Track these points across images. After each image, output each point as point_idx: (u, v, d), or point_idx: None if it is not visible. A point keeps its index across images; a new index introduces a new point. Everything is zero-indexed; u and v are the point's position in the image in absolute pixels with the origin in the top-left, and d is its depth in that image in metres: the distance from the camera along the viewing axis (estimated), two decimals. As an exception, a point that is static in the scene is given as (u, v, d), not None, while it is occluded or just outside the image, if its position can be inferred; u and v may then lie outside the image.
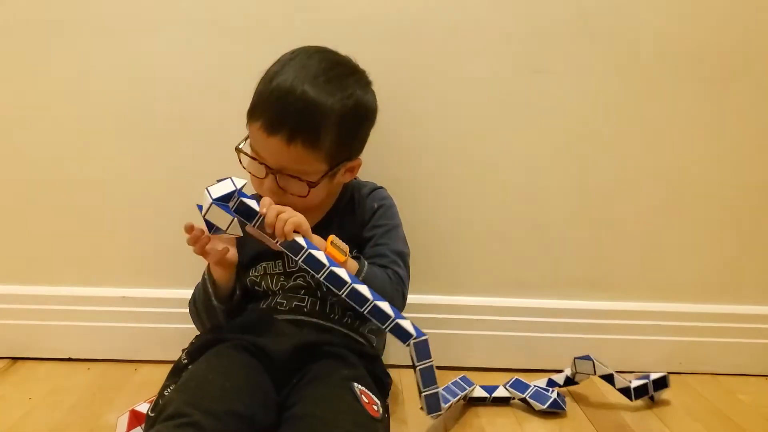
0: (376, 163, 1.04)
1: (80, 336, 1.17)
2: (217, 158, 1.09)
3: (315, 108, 0.85)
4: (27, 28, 1.07)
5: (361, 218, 0.99)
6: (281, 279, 0.95)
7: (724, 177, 1.18)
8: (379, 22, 1.08)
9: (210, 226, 0.82)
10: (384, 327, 0.84)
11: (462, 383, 1.05)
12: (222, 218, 0.81)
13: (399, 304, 0.93)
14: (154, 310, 1.16)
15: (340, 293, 0.84)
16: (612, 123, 1.15)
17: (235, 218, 0.81)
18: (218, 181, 0.82)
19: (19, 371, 1.14)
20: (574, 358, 1.07)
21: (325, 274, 0.83)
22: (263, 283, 0.96)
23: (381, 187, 1.04)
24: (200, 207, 0.82)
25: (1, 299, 1.17)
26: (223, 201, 0.81)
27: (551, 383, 1.10)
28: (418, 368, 0.86)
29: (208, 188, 0.81)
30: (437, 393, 0.88)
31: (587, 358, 1.06)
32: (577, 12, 1.09)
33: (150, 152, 1.13)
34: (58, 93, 1.10)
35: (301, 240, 0.83)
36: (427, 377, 0.86)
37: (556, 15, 1.09)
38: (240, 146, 0.92)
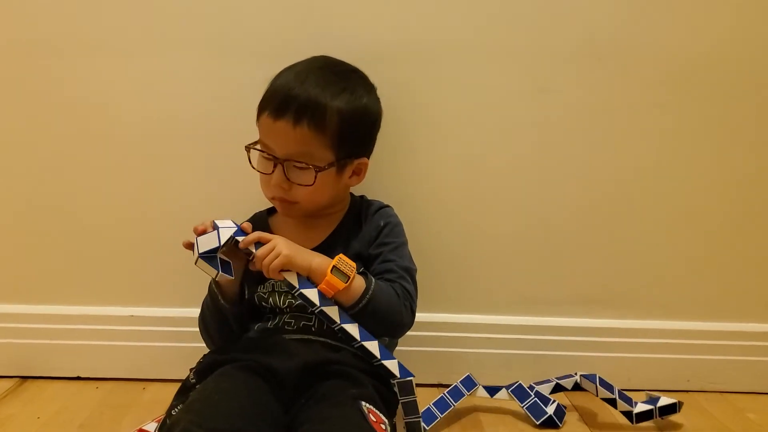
0: (384, 181, 1.05)
1: (89, 355, 1.18)
2: (225, 179, 1.13)
3: (320, 93, 0.90)
4: (38, 49, 1.09)
5: (367, 235, 1.00)
6: (288, 297, 0.95)
7: (733, 194, 1.18)
8: (389, 41, 1.09)
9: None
10: (373, 363, 0.88)
11: (462, 387, 1.06)
12: (209, 270, 0.86)
13: (407, 319, 0.94)
14: (163, 329, 1.16)
15: (333, 327, 0.88)
16: (617, 142, 1.15)
17: (219, 272, 0.85)
18: (214, 226, 0.87)
19: (28, 390, 1.15)
20: (581, 375, 1.07)
21: (316, 311, 0.87)
22: (271, 299, 0.97)
23: (388, 206, 1.05)
24: (193, 250, 0.86)
25: (11, 318, 1.17)
26: (209, 254, 0.85)
27: (558, 388, 1.10)
28: (401, 401, 0.88)
29: (197, 239, 0.86)
30: (419, 421, 0.89)
31: (592, 378, 1.06)
32: (583, 31, 1.10)
33: (159, 173, 1.14)
34: (67, 114, 1.12)
35: (293, 279, 0.87)
36: (409, 409, 0.87)
37: (562, 34, 1.10)
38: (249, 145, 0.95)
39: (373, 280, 0.92)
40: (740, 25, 1.11)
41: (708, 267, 1.21)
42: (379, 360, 0.86)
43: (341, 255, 0.89)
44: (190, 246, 0.87)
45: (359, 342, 0.87)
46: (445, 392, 1.04)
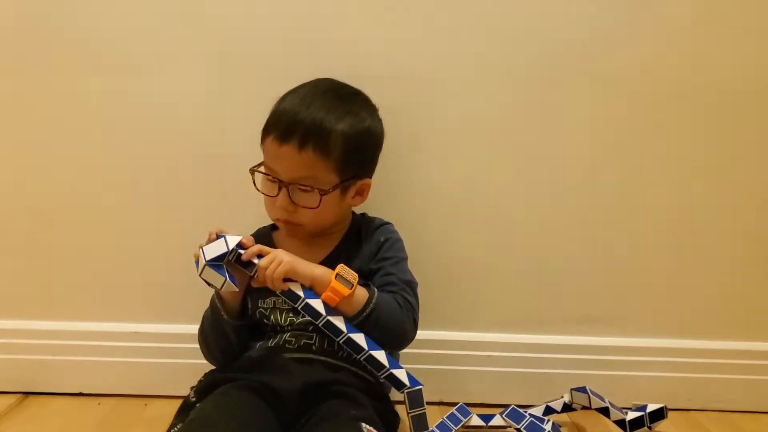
0: (384, 199, 1.05)
1: (91, 371, 1.18)
2: (230, 197, 1.13)
3: (324, 117, 0.91)
4: (46, 66, 1.10)
5: (368, 251, 1.00)
6: (290, 315, 0.96)
7: (736, 213, 1.18)
8: (388, 61, 1.11)
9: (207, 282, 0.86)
10: (379, 374, 0.87)
11: (459, 414, 1.05)
12: (216, 278, 0.84)
13: (410, 330, 0.94)
14: (165, 345, 1.17)
15: (337, 340, 0.87)
16: (615, 161, 1.16)
17: (227, 279, 0.84)
18: (217, 236, 0.86)
19: (31, 406, 1.15)
20: (571, 390, 1.07)
21: (322, 322, 0.87)
22: (272, 317, 0.97)
23: (389, 223, 1.06)
24: (197, 263, 0.85)
25: (13, 334, 1.18)
26: (217, 261, 0.84)
27: (548, 410, 1.09)
28: (410, 414, 0.87)
29: (203, 248, 0.85)
30: None
31: (583, 390, 1.06)
32: (581, 52, 1.11)
33: (163, 189, 1.15)
34: (74, 130, 1.13)
35: (297, 289, 0.86)
36: (419, 424, 0.87)
37: (560, 54, 1.11)
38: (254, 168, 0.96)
39: (376, 291, 0.92)
40: (738, 45, 1.12)
41: (710, 286, 1.21)
42: (388, 369, 0.86)
43: (342, 264, 0.90)
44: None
45: (367, 351, 0.86)
46: (444, 418, 1.04)
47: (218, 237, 0.86)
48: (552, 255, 1.19)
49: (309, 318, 0.88)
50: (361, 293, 0.90)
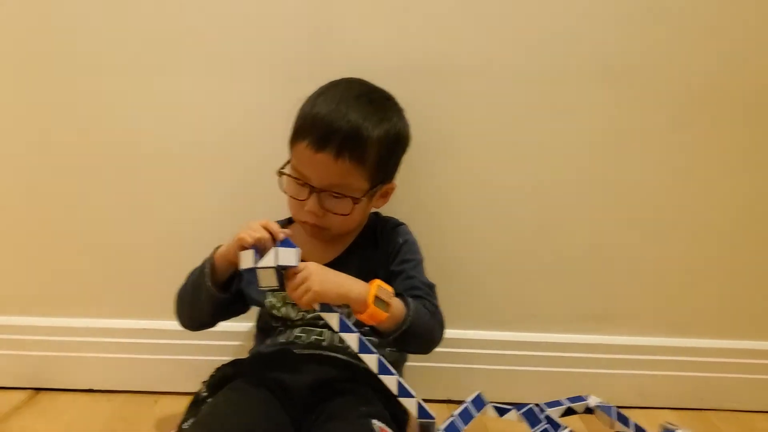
0: (397, 198, 1.05)
1: (101, 367, 1.18)
2: (240, 194, 1.14)
3: (360, 125, 0.90)
4: (53, 67, 1.10)
5: (385, 251, 1.00)
6: (301, 309, 0.96)
7: (747, 212, 1.18)
8: (406, 62, 1.10)
9: (249, 275, 0.83)
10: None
11: (473, 407, 1.03)
12: (270, 280, 0.82)
13: (439, 337, 0.94)
14: (175, 341, 1.16)
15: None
16: (627, 162, 1.15)
17: (278, 287, 0.82)
18: (282, 243, 0.83)
19: (41, 402, 1.15)
20: (597, 405, 1.05)
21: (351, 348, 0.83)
22: (283, 309, 0.97)
23: (403, 223, 1.05)
24: (256, 254, 0.82)
25: (23, 330, 1.18)
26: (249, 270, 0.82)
27: (569, 412, 1.08)
28: None
29: (278, 250, 0.81)
30: None
31: (608, 410, 1.03)
32: (596, 54, 1.11)
33: (172, 189, 1.15)
34: (83, 130, 1.13)
35: (333, 322, 0.82)
36: None
37: (576, 57, 1.11)
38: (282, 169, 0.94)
39: (411, 303, 0.89)
40: (751, 48, 1.11)
41: (722, 285, 1.20)
42: (397, 396, 0.82)
43: (379, 281, 0.86)
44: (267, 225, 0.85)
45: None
46: (455, 414, 1.02)
47: (278, 242, 0.83)
48: (563, 254, 1.18)
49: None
50: (398, 310, 0.86)
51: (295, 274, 0.82)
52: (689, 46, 1.11)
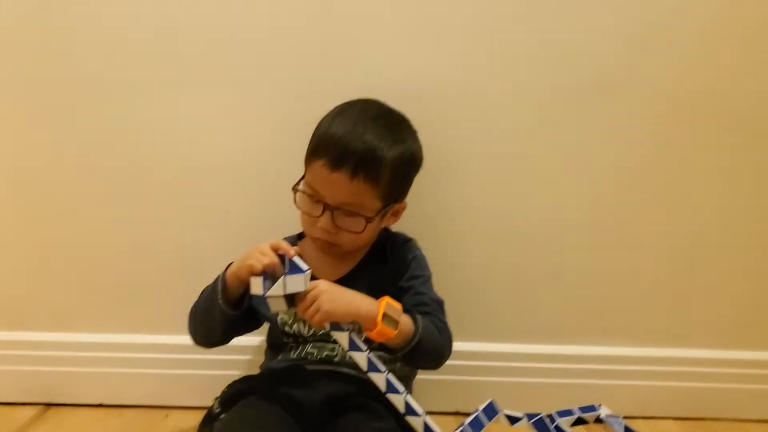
0: (406, 213, 1.07)
1: (112, 382, 1.19)
2: (250, 209, 1.15)
3: (376, 146, 0.91)
4: (69, 84, 1.12)
5: (394, 267, 1.01)
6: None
7: (747, 224, 1.19)
8: (407, 81, 1.12)
9: (259, 300, 0.85)
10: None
11: (485, 415, 1.04)
12: (280, 306, 0.84)
13: (447, 353, 0.96)
14: (185, 356, 1.17)
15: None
16: (628, 174, 1.17)
17: (288, 308, 0.84)
18: (291, 268, 0.84)
19: (52, 417, 1.16)
20: (607, 415, 1.06)
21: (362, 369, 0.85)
22: (295, 325, 0.98)
23: (412, 239, 1.07)
24: (266, 282, 0.83)
25: (34, 346, 1.19)
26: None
27: (579, 422, 1.09)
28: None
29: (286, 278, 0.83)
30: None
31: (618, 424, 1.04)
32: (591, 68, 1.12)
33: (185, 204, 1.16)
34: (95, 145, 1.14)
35: (343, 341, 0.84)
36: None
37: (571, 71, 1.12)
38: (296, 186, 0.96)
39: (420, 320, 0.91)
40: (746, 61, 1.13)
41: (722, 295, 1.22)
42: (404, 414, 0.83)
43: (388, 299, 0.87)
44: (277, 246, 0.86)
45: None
46: (465, 423, 1.03)
47: (286, 260, 0.85)
48: (570, 266, 1.20)
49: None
50: (407, 327, 0.88)
51: (306, 294, 0.84)
52: (682, 59, 1.13)
